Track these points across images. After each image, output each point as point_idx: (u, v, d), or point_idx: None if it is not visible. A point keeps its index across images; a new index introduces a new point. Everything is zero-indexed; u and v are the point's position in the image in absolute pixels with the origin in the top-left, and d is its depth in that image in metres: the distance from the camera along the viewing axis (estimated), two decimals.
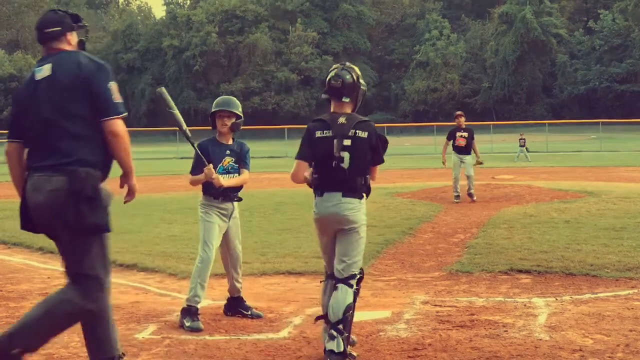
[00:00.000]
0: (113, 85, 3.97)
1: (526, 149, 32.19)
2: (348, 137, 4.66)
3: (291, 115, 75.55)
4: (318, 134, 4.70)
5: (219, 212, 5.73)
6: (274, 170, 26.00)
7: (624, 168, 24.63)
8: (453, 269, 7.47)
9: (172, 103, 5.39)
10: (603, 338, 4.96)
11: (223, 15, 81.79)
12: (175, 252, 8.75)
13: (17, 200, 4.09)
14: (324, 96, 4.88)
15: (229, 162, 5.78)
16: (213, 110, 5.79)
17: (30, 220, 4.02)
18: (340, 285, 4.63)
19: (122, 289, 6.91)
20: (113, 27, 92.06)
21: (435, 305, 6.00)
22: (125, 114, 3.98)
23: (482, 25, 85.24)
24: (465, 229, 10.37)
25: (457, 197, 13.89)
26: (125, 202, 4.17)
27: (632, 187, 16.35)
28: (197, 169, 5.68)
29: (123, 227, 11.14)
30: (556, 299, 6.13)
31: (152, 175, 25.63)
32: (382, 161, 4.77)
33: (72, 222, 3.86)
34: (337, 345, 4.48)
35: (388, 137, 5.02)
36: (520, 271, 7.28)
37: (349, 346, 4.60)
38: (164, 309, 6.08)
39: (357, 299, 4.72)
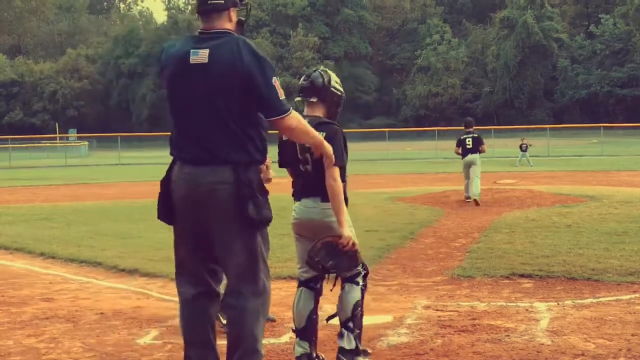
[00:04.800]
0: (276, 81, 3.68)
1: (521, 153, 32.08)
2: None
3: None
4: (284, 137, 4.39)
5: None
6: (275, 175, 25.97)
7: (625, 172, 24.61)
8: (455, 274, 7.46)
9: None
10: (605, 342, 4.95)
11: None
12: None
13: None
14: (297, 99, 4.63)
15: None
16: None
17: (171, 211, 3.78)
18: (346, 284, 4.55)
19: (123, 294, 6.89)
20: (114, 32, 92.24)
21: (437, 310, 5.99)
22: (290, 110, 3.72)
23: (483, 29, 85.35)
24: (467, 234, 10.37)
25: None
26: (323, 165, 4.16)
27: (633, 191, 16.33)
28: None
29: (125, 232, 11.17)
30: (558, 304, 6.12)
31: (154, 180, 25.60)
32: (337, 162, 4.19)
33: (244, 215, 3.81)
34: (347, 342, 4.47)
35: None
36: (522, 276, 7.28)
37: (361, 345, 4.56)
38: (166, 314, 6.06)
39: (365, 295, 4.65)
